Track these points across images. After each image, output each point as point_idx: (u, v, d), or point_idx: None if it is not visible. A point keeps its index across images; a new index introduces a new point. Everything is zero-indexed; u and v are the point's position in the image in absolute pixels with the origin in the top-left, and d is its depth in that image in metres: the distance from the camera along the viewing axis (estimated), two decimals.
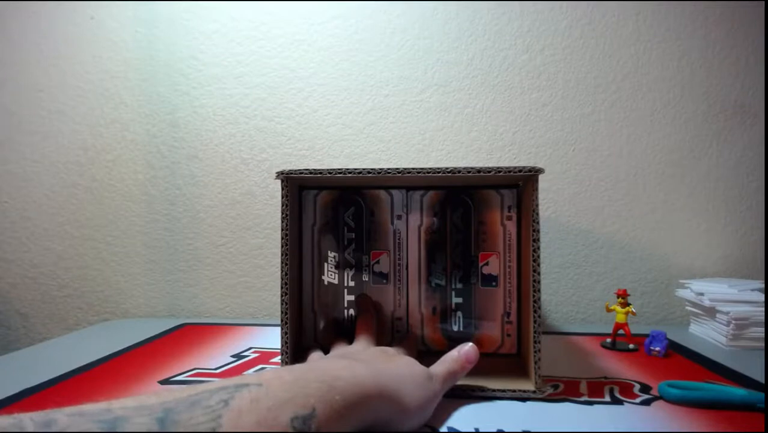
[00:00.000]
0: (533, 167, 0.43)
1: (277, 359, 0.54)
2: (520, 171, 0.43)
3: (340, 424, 0.28)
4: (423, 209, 0.53)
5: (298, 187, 0.54)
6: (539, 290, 0.43)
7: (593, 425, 0.38)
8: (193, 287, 0.83)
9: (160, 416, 0.22)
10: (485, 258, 0.53)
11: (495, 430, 0.36)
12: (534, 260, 0.43)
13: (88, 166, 0.83)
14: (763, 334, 0.59)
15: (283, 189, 0.47)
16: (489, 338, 0.53)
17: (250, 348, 0.60)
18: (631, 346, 0.59)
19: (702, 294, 0.64)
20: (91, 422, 0.21)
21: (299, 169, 0.46)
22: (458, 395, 0.43)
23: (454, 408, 0.41)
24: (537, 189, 0.43)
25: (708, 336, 0.65)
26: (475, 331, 0.53)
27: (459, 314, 0.53)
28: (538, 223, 0.43)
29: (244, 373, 0.51)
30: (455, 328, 0.53)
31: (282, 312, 0.47)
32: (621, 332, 0.59)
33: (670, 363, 0.54)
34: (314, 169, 0.46)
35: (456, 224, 0.53)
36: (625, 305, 0.60)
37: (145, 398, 0.24)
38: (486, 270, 0.53)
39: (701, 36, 0.77)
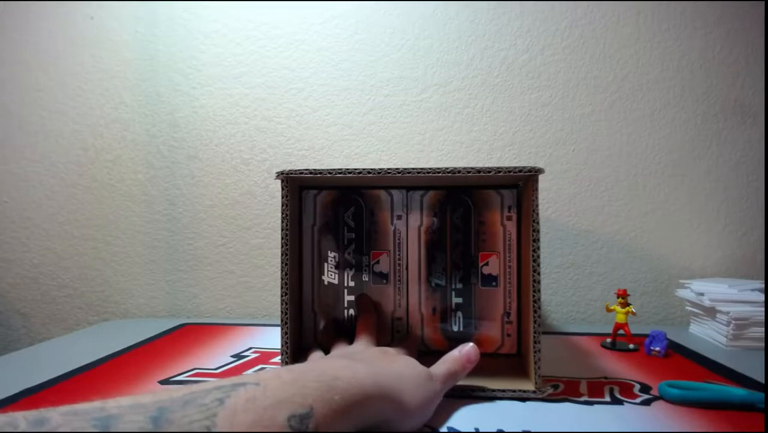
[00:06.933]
0: (533, 167, 0.43)
1: (277, 359, 0.54)
2: (520, 171, 0.43)
3: (339, 424, 0.28)
4: (423, 209, 0.53)
5: (298, 187, 0.54)
6: (539, 290, 0.43)
7: (593, 425, 0.37)
8: (193, 287, 0.83)
9: (154, 415, 0.22)
10: (485, 258, 0.53)
11: (495, 430, 0.36)
12: (534, 260, 0.43)
13: (88, 166, 0.83)
14: (763, 334, 0.59)
15: (283, 189, 0.47)
16: (489, 338, 0.53)
17: (250, 348, 0.60)
18: (631, 346, 0.59)
19: (702, 294, 0.64)
20: (84, 420, 0.21)
21: (299, 169, 0.46)
22: (458, 395, 0.43)
23: (454, 408, 0.41)
24: (537, 189, 0.43)
25: (708, 336, 0.65)
26: (475, 331, 0.53)
27: (459, 314, 0.53)
28: (538, 223, 0.43)
29: (244, 373, 0.51)
30: (455, 328, 0.53)
31: (282, 312, 0.47)
32: (621, 332, 0.59)
33: (670, 363, 0.54)
34: (314, 170, 0.46)
35: (456, 224, 0.53)
36: (625, 305, 0.60)
37: (140, 397, 0.23)
38: (486, 270, 0.53)
39: (701, 36, 0.77)
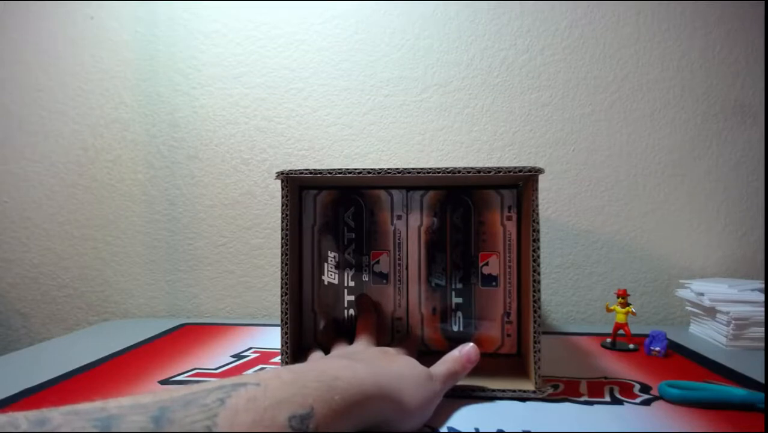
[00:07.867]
0: (533, 167, 0.43)
1: (277, 359, 0.55)
2: (520, 171, 0.43)
3: (339, 424, 0.28)
4: (423, 209, 0.53)
5: (298, 187, 0.54)
6: (539, 290, 0.43)
7: (593, 425, 0.37)
8: (193, 287, 0.83)
9: (155, 415, 0.22)
10: (485, 258, 0.53)
11: (495, 430, 0.36)
12: (534, 260, 0.43)
13: (88, 166, 0.83)
14: (763, 334, 0.59)
15: (283, 189, 0.47)
16: (489, 338, 0.53)
17: (250, 348, 0.60)
18: (631, 346, 0.59)
19: (702, 294, 0.64)
20: (85, 420, 0.21)
21: (299, 169, 0.46)
22: (458, 395, 0.43)
23: (454, 408, 0.41)
24: (537, 189, 0.43)
25: (708, 336, 0.65)
26: (475, 331, 0.53)
27: (459, 314, 0.53)
28: (538, 223, 0.43)
29: (244, 373, 0.51)
30: (455, 328, 0.53)
31: (282, 312, 0.47)
32: (621, 332, 0.59)
33: (670, 363, 0.54)
34: (314, 170, 0.46)
35: (456, 224, 0.53)
36: (625, 305, 0.60)
37: (141, 397, 0.23)
38: (486, 270, 0.53)
39: (701, 36, 0.77)
